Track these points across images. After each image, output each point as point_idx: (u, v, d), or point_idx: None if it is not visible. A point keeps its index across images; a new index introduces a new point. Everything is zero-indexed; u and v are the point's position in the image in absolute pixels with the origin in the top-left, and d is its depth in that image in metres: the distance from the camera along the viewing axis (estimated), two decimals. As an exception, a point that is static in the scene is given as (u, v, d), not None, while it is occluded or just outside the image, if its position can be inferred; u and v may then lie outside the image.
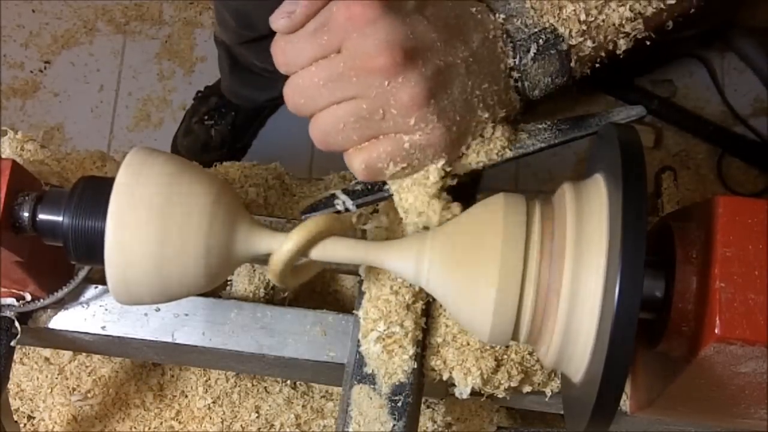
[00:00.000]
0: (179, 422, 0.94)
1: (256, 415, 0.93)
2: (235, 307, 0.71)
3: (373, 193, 0.62)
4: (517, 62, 0.58)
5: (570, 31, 0.59)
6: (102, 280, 0.62)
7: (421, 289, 0.64)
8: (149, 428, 0.94)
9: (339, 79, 0.54)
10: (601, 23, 0.59)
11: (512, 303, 0.52)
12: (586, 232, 0.52)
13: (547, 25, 0.58)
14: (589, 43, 0.59)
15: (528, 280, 0.52)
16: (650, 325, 0.57)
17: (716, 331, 0.50)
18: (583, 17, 0.58)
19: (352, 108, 0.55)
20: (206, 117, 1.67)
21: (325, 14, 0.55)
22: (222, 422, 0.93)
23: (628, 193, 0.48)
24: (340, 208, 0.61)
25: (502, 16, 0.58)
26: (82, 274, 0.69)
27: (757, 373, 0.53)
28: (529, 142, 0.61)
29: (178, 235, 0.54)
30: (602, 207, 0.52)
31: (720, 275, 0.51)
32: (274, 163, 0.82)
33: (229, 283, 0.76)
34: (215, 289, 0.70)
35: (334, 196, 0.63)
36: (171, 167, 0.56)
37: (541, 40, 0.58)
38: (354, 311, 0.66)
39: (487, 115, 0.58)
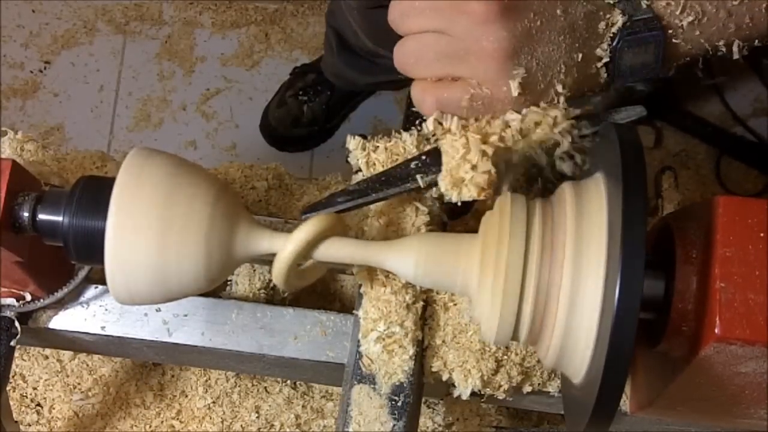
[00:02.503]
0: (180, 421, 0.94)
1: (256, 415, 0.93)
2: (235, 307, 0.71)
3: (373, 194, 0.62)
4: (614, 44, 0.57)
5: (678, 26, 0.57)
6: (102, 280, 0.62)
7: (421, 290, 0.64)
8: (150, 427, 0.94)
9: (434, 8, 0.55)
10: (713, 22, 0.58)
11: (514, 304, 0.52)
12: (586, 232, 0.52)
13: (657, 12, 0.57)
14: (695, 39, 0.58)
15: (528, 280, 0.52)
16: (650, 325, 0.57)
17: (716, 331, 0.50)
18: (697, 12, 0.57)
19: (437, 40, 0.56)
20: (301, 92, 1.68)
21: None
22: (222, 422, 0.93)
23: (628, 193, 0.48)
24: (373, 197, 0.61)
25: None
26: (82, 274, 0.69)
27: (757, 373, 0.53)
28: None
29: (178, 236, 0.54)
30: (602, 207, 0.52)
31: (720, 275, 0.51)
32: (274, 163, 0.82)
33: (229, 283, 0.76)
34: (215, 289, 0.70)
35: (334, 196, 0.63)
36: (171, 167, 0.56)
37: (642, 27, 0.57)
38: (354, 311, 0.66)
39: (564, 89, 0.57)
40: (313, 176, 1.64)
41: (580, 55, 0.57)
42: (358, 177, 0.65)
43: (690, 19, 0.57)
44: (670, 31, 0.58)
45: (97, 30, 1.85)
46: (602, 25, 0.57)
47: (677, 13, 0.57)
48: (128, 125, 1.78)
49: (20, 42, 1.84)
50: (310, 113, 1.67)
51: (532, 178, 0.71)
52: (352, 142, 0.65)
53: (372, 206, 0.64)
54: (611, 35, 0.57)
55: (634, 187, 0.48)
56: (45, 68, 1.83)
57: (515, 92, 0.55)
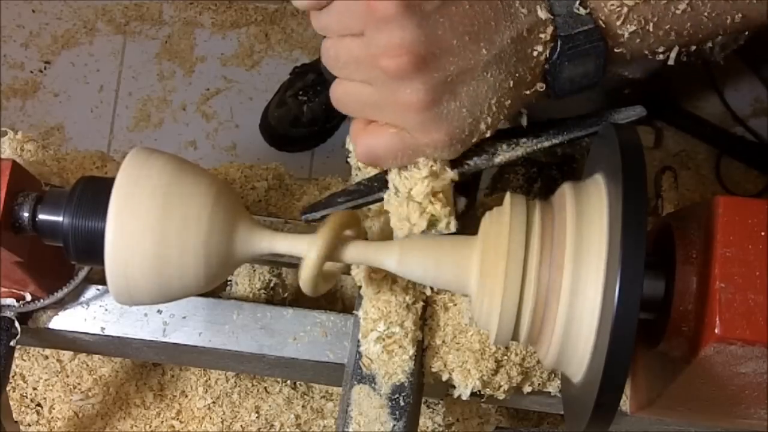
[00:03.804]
0: (180, 421, 0.94)
1: (256, 415, 0.93)
2: (235, 307, 0.71)
3: (373, 194, 0.61)
4: (553, 59, 0.56)
5: (619, 36, 0.56)
6: (102, 281, 0.62)
7: (421, 290, 0.64)
8: (150, 427, 0.94)
9: (355, 61, 0.55)
10: (655, 31, 0.56)
11: (514, 304, 0.52)
12: (586, 232, 0.52)
13: (598, 23, 0.55)
14: (635, 47, 0.57)
15: (528, 280, 0.52)
16: (650, 325, 0.57)
17: (716, 331, 0.50)
18: (639, 22, 0.55)
19: (362, 91, 0.56)
20: (301, 92, 1.68)
21: None
22: (222, 422, 0.93)
23: (628, 194, 0.48)
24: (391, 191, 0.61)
25: (547, 7, 0.55)
26: (82, 274, 0.69)
27: (757, 373, 0.53)
28: (528, 141, 0.61)
29: (178, 236, 0.54)
30: (602, 207, 0.52)
31: (720, 275, 0.51)
32: (274, 163, 0.82)
33: (229, 283, 0.76)
34: (215, 289, 0.70)
35: (334, 196, 0.63)
36: (171, 167, 0.56)
37: (583, 40, 0.55)
38: (354, 311, 0.66)
39: (502, 115, 0.56)
40: (313, 176, 1.64)
41: (511, 82, 0.55)
42: (358, 177, 0.65)
43: (632, 29, 0.56)
44: (611, 42, 0.56)
45: (97, 30, 1.85)
46: (537, 47, 0.55)
47: (619, 23, 0.55)
48: (128, 125, 1.78)
49: (20, 42, 1.84)
50: (309, 113, 1.67)
51: (532, 178, 0.71)
52: (353, 143, 0.65)
53: (372, 206, 0.64)
54: (548, 52, 0.56)
55: (634, 188, 0.48)
56: (45, 68, 1.83)
57: (443, 135, 0.55)
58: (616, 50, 0.57)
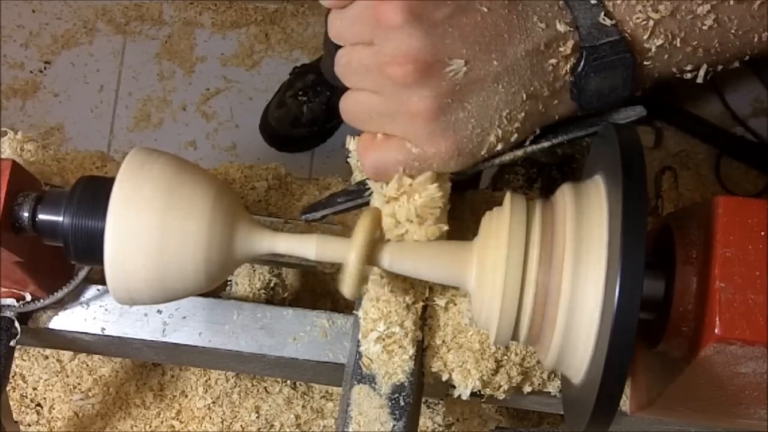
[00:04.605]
0: (180, 421, 0.94)
1: (256, 415, 0.93)
2: (235, 307, 0.71)
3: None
4: (579, 70, 0.55)
5: (646, 50, 0.55)
6: (102, 281, 0.62)
7: (421, 290, 0.64)
8: (150, 427, 0.94)
9: (365, 69, 0.55)
10: (682, 46, 0.56)
11: (514, 304, 0.52)
12: (586, 232, 0.52)
13: (624, 35, 0.55)
14: (663, 63, 0.56)
15: (528, 281, 0.52)
16: (650, 325, 0.57)
17: (716, 331, 0.50)
18: (666, 36, 0.55)
19: (371, 100, 0.56)
20: (300, 93, 1.68)
21: (363, 4, 0.55)
22: (222, 422, 0.93)
23: (628, 194, 0.48)
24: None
25: (569, 19, 0.55)
26: (82, 274, 0.69)
27: (757, 373, 0.53)
28: (527, 142, 0.61)
29: (178, 236, 0.54)
30: (602, 207, 0.52)
31: (720, 275, 0.51)
32: (274, 163, 0.82)
33: (229, 283, 0.76)
34: (215, 289, 0.70)
35: (334, 196, 0.63)
36: (171, 167, 0.56)
37: (609, 51, 0.55)
38: (354, 311, 0.66)
39: (514, 129, 0.56)
40: (313, 176, 1.64)
41: (524, 95, 0.55)
42: (358, 177, 0.65)
43: (659, 42, 0.56)
44: (638, 56, 0.56)
45: (97, 30, 1.85)
46: (553, 61, 0.55)
47: (645, 36, 0.55)
48: (128, 125, 1.79)
49: (20, 42, 1.84)
50: (309, 113, 1.67)
51: (531, 178, 0.71)
52: (352, 143, 0.65)
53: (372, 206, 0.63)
54: (570, 65, 0.55)
55: (634, 188, 0.48)
56: (45, 68, 1.83)
57: (450, 146, 0.55)
58: (644, 64, 0.56)
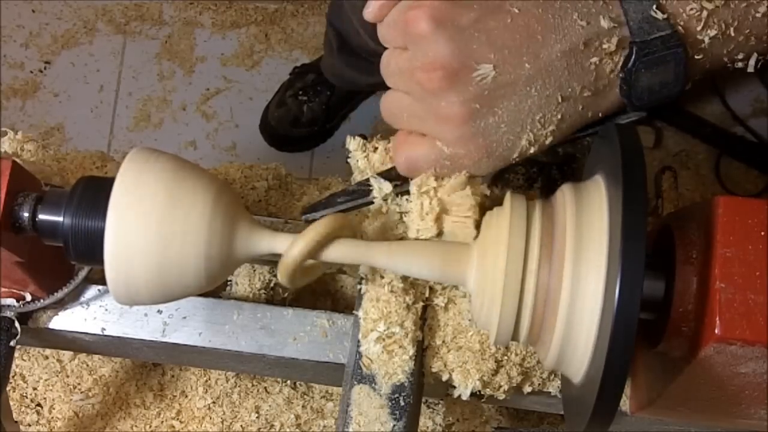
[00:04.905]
0: (180, 421, 0.94)
1: (256, 415, 0.93)
2: (235, 307, 0.71)
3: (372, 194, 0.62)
4: (629, 66, 0.54)
5: (699, 42, 0.54)
6: (102, 281, 0.62)
7: (421, 290, 0.64)
8: (150, 427, 0.94)
9: (400, 72, 0.56)
10: (735, 36, 0.55)
11: (514, 304, 0.52)
12: (586, 232, 0.52)
13: (676, 28, 0.53)
14: (716, 54, 0.55)
15: (528, 280, 0.52)
16: (650, 325, 0.57)
17: (716, 331, 0.50)
18: (720, 26, 0.54)
19: (406, 101, 0.57)
20: (300, 92, 1.68)
21: (398, 8, 0.56)
22: (222, 422, 0.93)
23: (628, 194, 0.48)
24: (376, 194, 0.62)
25: (615, 14, 0.53)
26: (82, 274, 0.69)
27: (757, 373, 0.53)
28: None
29: (178, 236, 0.54)
30: (602, 207, 0.52)
31: (720, 275, 0.51)
32: (274, 163, 0.82)
33: (229, 283, 0.76)
34: (215, 289, 0.70)
35: (334, 196, 0.63)
36: (171, 167, 0.56)
37: (660, 46, 0.53)
38: (354, 311, 0.66)
39: (549, 131, 0.55)
40: (313, 176, 1.64)
41: (560, 97, 0.54)
42: (358, 177, 0.65)
43: (713, 33, 0.54)
44: (691, 49, 0.54)
45: (97, 30, 1.85)
46: (595, 59, 0.54)
47: (699, 28, 0.54)
48: (128, 125, 1.79)
49: (20, 42, 1.84)
50: (309, 113, 1.67)
51: (532, 178, 0.71)
52: (352, 143, 0.65)
53: (372, 207, 0.64)
54: (617, 62, 0.54)
55: (634, 188, 0.48)
56: (45, 68, 1.83)
57: (481, 150, 0.55)
58: (696, 57, 0.55)
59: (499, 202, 0.57)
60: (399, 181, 0.61)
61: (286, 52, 1.81)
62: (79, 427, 0.94)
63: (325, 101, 1.66)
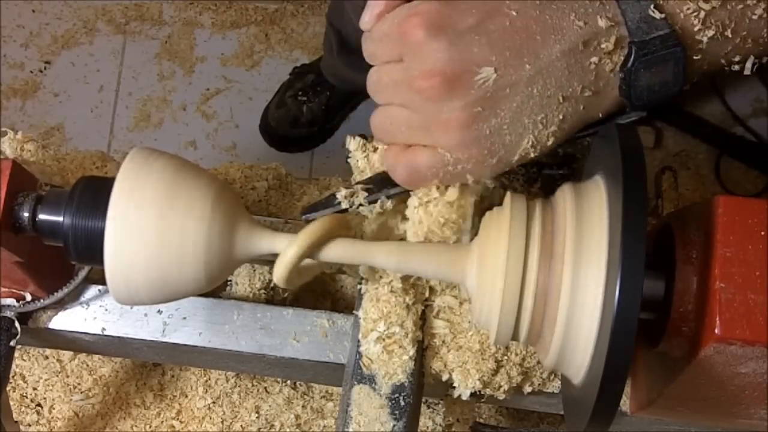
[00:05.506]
0: (180, 421, 0.94)
1: (256, 415, 0.93)
2: (235, 307, 0.71)
3: (372, 194, 0.61)
4: (628, 65, 0.54)
5: (697, 42, 0.54)
6: (102, 281, 0.62)
7: (421, 290, 0.64)
8: (150, 427, 0.94)
9: (396, 85, 0.55)
10: (733, 37, 0.55)
11: (514, 304, 0.52)
12: (587, 232, 0.52)
13: (675, 27, 0.54)
14: (714, 55, 0.55)
15: (528, 280, 0.52)
16: (650, 325, 0.57)
17: (716, 331, 0.50)
18: (718, 27, 0.54)
19: (403, 114, 0.56)
20: (300, 93, 1.68)
21: (389, 20, 0.55)
22: (222, 422, 0.93)
23: (628, 194, 0.48)
24: (345, 205, 0.61)
25: (612, 14, 0.53)
26: (82, 274, 0.69)
27: (757, 373, 0.53)
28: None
29: (178, 236, 0.54)
30: (602, 207, 0.52)
31: (720, 275, 0.51)
32: (274, 163, 0.82)
33: (229, 283, 0.76)
34: (215, 289, 0.70)
35: (334, 196, 0.63)
36: (171, 167, 0.56)
37: (659, 45, 0.54)
38: (354, 311, 0.66)
39: (550, 132, 0.55)
40: (313, 176, 1.64)
41: (561, 97, 0.54)
42: (358, 177, 0.65)
43: (711, 34, 0.54)
44: (689, 50, 0.55)
45: (97, 30, 1.85)
46: (593, 59, 0.54)
47: (696, 29, 0.54)
48: (128, 125, 1.78)
49: (20, 42, 1.84)
50: (309, 114, 1.67)
51: (532, 178, 0.70)
52: (353, 143, 0.65)
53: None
54: (618, 60, 0.54)
55: (634, 188, 0.48)
56: (45, 68, 1.83)
57: (484, 153, 0.54)
58: (694, 58, 0.55)
59: (499, 203, 0.57)
60: (392, 186, 0.60)
61: (286, 52, 1.81)
62: (79, 427, 0.94)
63: (324, 101, 1.66)
